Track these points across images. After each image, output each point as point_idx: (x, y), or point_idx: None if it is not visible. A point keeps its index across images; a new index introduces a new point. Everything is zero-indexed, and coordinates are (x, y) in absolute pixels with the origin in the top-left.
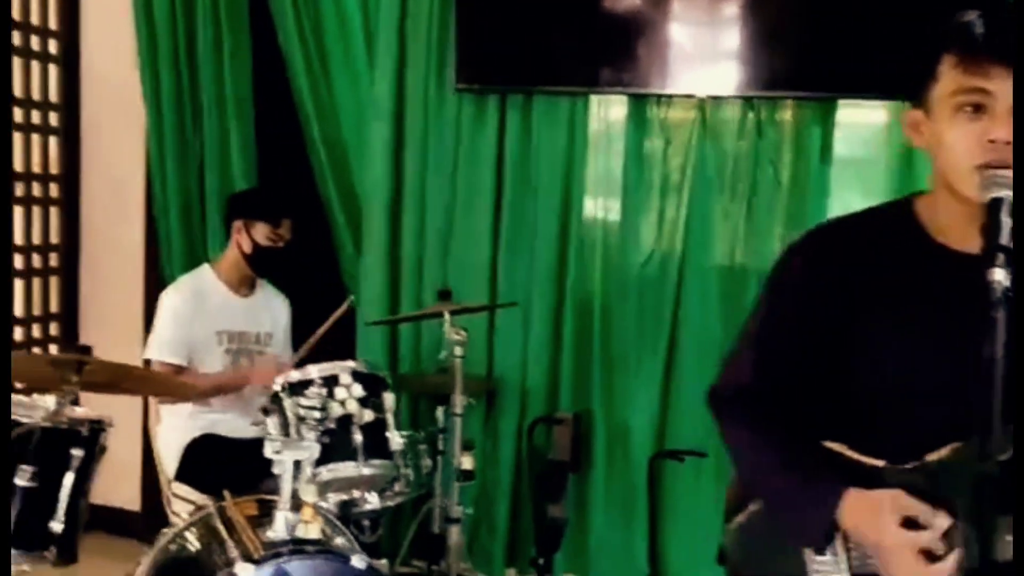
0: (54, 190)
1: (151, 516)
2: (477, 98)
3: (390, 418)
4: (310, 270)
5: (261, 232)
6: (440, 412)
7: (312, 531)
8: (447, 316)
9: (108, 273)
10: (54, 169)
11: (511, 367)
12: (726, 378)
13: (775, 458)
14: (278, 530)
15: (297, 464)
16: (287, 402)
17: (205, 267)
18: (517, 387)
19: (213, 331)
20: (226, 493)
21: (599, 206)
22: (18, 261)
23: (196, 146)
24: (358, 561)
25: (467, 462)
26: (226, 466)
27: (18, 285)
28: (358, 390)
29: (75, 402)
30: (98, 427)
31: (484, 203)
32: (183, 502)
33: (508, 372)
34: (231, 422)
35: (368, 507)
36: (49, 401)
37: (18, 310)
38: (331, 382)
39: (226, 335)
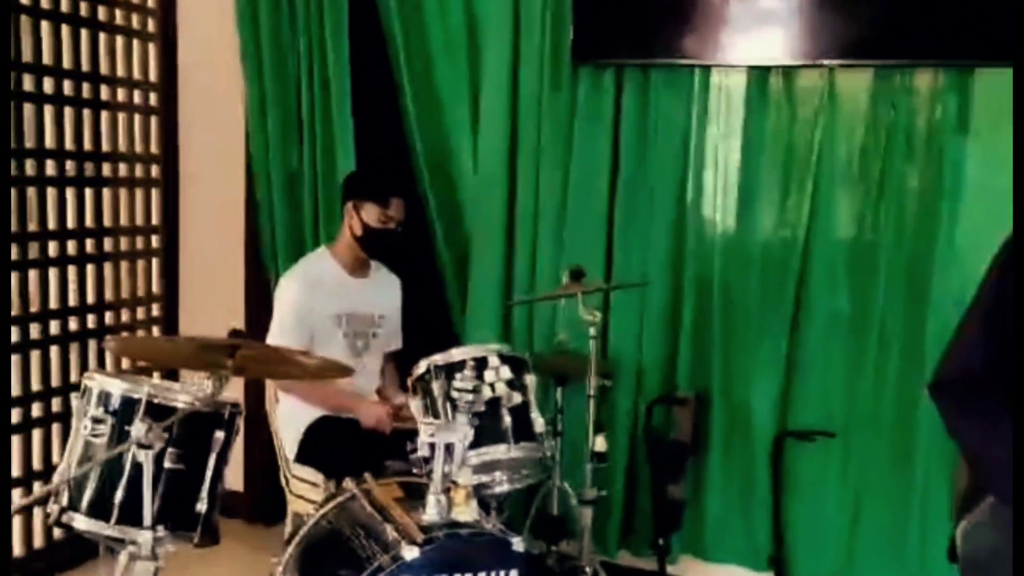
0: (155, 171)
1: (256, 497)
2: (593, 72)
3: (533, 400)
4: (415, 252)
5: (371, 213)
6: (559, 393)
7: (466, 514)
8: (580, 296)
9: (208, 255)
10: (154, 149)
11: (627, 347)
12: (952, 365)
13: (1013, 454)
14: (432, 513)
15: (448, 447)
16: (435, 384)
17: (322, 249)
18: (633, 367)
19: (332, 314)
20: (368, 476)
21: (719, 181)
22: (122, 243)
23: (297, 126)
24: (518, 544)
25: (600, 444)
26: (348, 448)
27: (121, 267)
28: (506, 372)
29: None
30: (236, 410)
31: (600, 180)
32: (304, 484)
33: (624, 352)
34: None
35: (498, 489)
36: (199, 386)
37: (121, 292)
38: (481, 364)
39: (344, 318)
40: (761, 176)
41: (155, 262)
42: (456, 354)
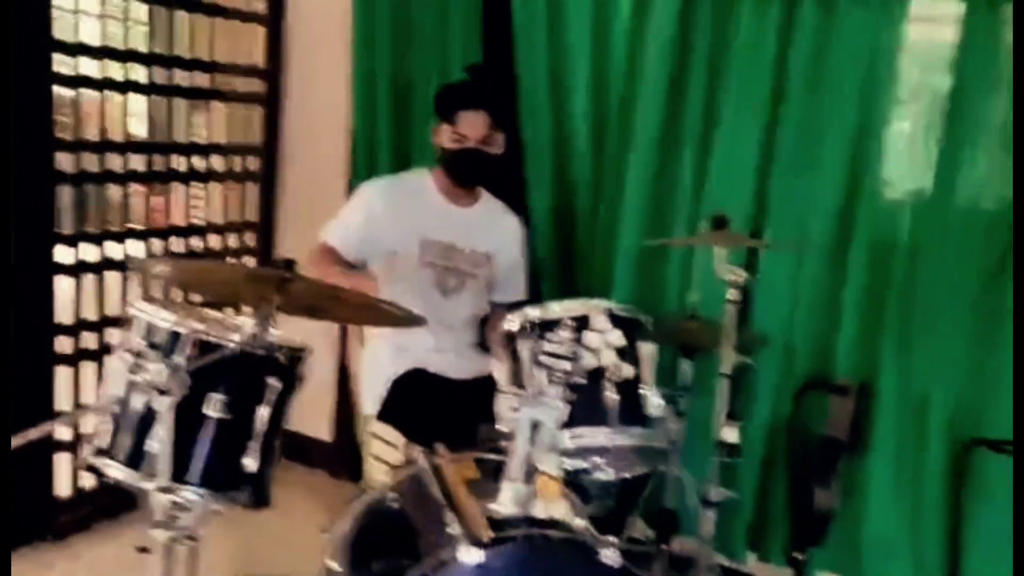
0: (257, 84)
1: (343, 448)
2: None
3: (649, 375)
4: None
5: (445, 133)
6: (688, 368)
7: (553, 510)
8: (718, 251)
9: (310, 180)
10: (260, 62)
11: (775, 319)
12: None
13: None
14: (506, 504)
15: (536, 425)
16: (524, 345)
17: (423, 171)
18: (780, 344)
19: (415, 238)
20: (440, 448)
21: (911, 126)
22: (217, 163)
23: (408, 39)
24: (607, 557)
25: (731, 434)
26: (436, 408)
27: (215, 190)
28: (615, 337)
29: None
30: (297, 355)
31: (758, 114)
32: (383, 444)
33: (771, 325)
34: (440, 356)
35: (601, 476)
36: (247, 322)
37: (216, 216)
38: (582, 325)
39: (431, 246)
40: (973, 123)
41: (251, 188)
42: (555, 309)
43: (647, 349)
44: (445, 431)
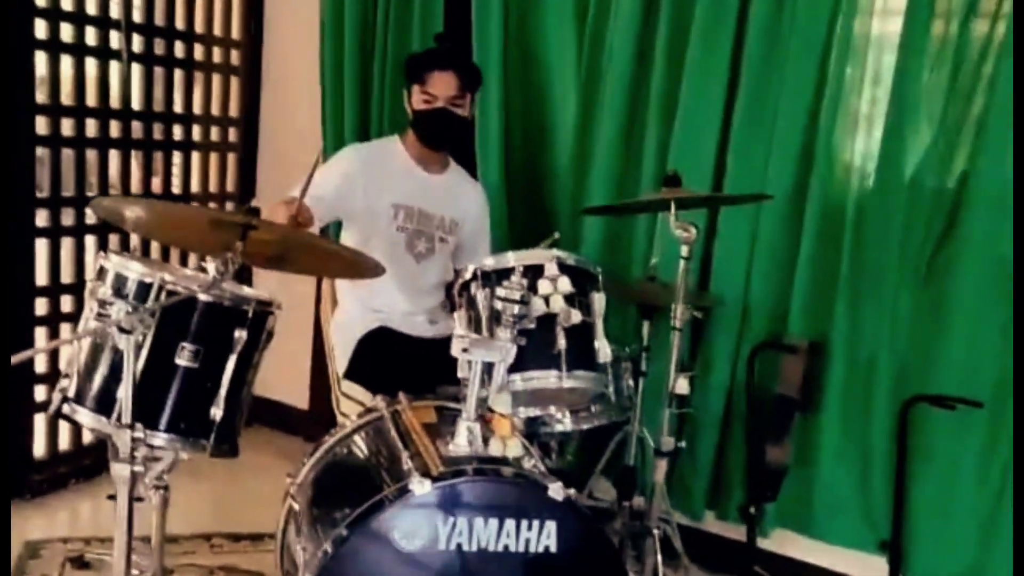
0: (235, 57)
1: (319, 415)
2: None
3: (599, 324)
4: None
5: (416, 96)
6: (646, 328)
7: (510, 449)
8: (673, 208)
9: (288, 151)
10: (236, 35)
11: (731, 280)
12: None
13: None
14: (460, 444)
15: (488, 367)
16: (479, 293)
17: (394, 138)
18: (738, 303)
19: (388, 203)
20: (401, 395)
21: (866, 83)
22: (196, 133)
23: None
24: (555, 491)
25: (683, 386)
26: (401, 365)
27: (195, 159)
28: (565, 284)
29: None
30: (265, 309)
31: (718, 70)
32: (353, 403)
33: (727, 285)
34: (410, 318)
35: (559, 427)
36: (208, 269)
37: (194, 186)
38: (534, 273)
39: (403, 211)
40: (920, 90)
41: (231, 157)
42: (510, 259)
43: (598, 299)
44: (410, 387)
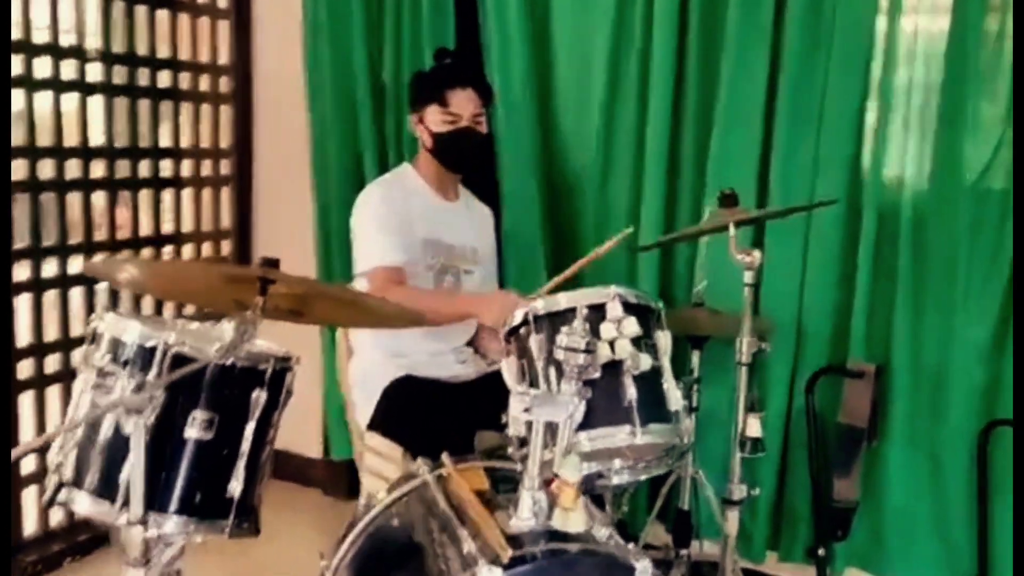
0: (224, 83)
1: (336, 465)
2: None
3: (667, 366)
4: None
5: (434, 118)
6: (695, 358)
7: (573, 522)
8: (733, 232)
9: (285, 181)
10: (223, 60)
11: (783, 300)
12: None
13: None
14: (524, 518)
15: (550, 427)
16: (533, 339)
17: (405, 167)
18: (791, 326)
19: (420, 239)
20: (445, 457)
21: (919, 79)
22: (186, 168)
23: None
24: (644, 571)
25: (755, 427)
26: (433, 413)
27: (186, 196)
28: (632, 327)
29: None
30: (285, 365)
31: (757, 73)
32: (378, 457)
33: (778, 307)
34: (438, 359)
35: (617, 480)
36: (226, 330)
37: (186, 225)
38: (597, 315)
39: (432, 246)
40: (984, 74)
41: (225, 191)
42: (564, 300)
43: (663, 338)
44: (445, 439)
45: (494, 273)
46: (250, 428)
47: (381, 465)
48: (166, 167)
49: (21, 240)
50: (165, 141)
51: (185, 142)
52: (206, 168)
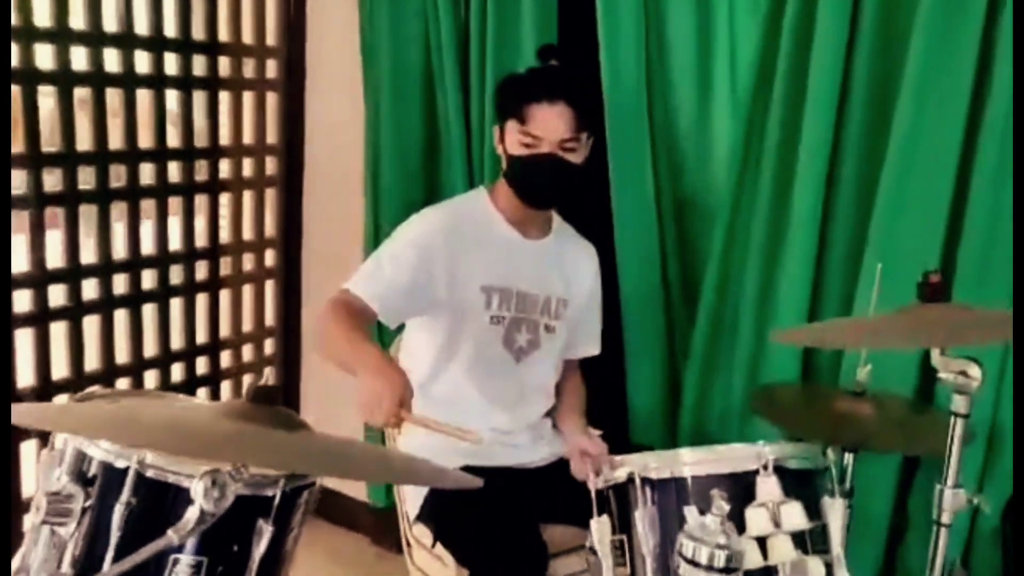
0: (271, 68)
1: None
2: None
3: (841, 557)
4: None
5: (512, 136)
6: (849, 464)
7: None
8: (942, 344)
9: (340, 180)
10: (271, 41)
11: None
12: None
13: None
14: None
15: None
16: (641, 513)
17: (480, 191)
18: (982, 426)
19: (478, 286)
20: None
21: None
22: (225, 169)
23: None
24: None
25: None
26: (497, 514)
27: (224, 200)
28: (795, 517)
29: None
30: (296, 486)
31: (949, 131)
32: (428, 555)
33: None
34: (508, 440)
35: None
36: (196, 493)
37: (225, 236)
38: (737, 490)
39: (497, 294)
40: None
41: (270, 193)
42: (687, 459)
43: (833, 510)
44: (514, 544)
45: (594, 329)
46: (254, 562)
47: (430, 566)
48: (201, 170)
49: None
50: (201, 140)
51: (225, 139)
52: (248, 167)
